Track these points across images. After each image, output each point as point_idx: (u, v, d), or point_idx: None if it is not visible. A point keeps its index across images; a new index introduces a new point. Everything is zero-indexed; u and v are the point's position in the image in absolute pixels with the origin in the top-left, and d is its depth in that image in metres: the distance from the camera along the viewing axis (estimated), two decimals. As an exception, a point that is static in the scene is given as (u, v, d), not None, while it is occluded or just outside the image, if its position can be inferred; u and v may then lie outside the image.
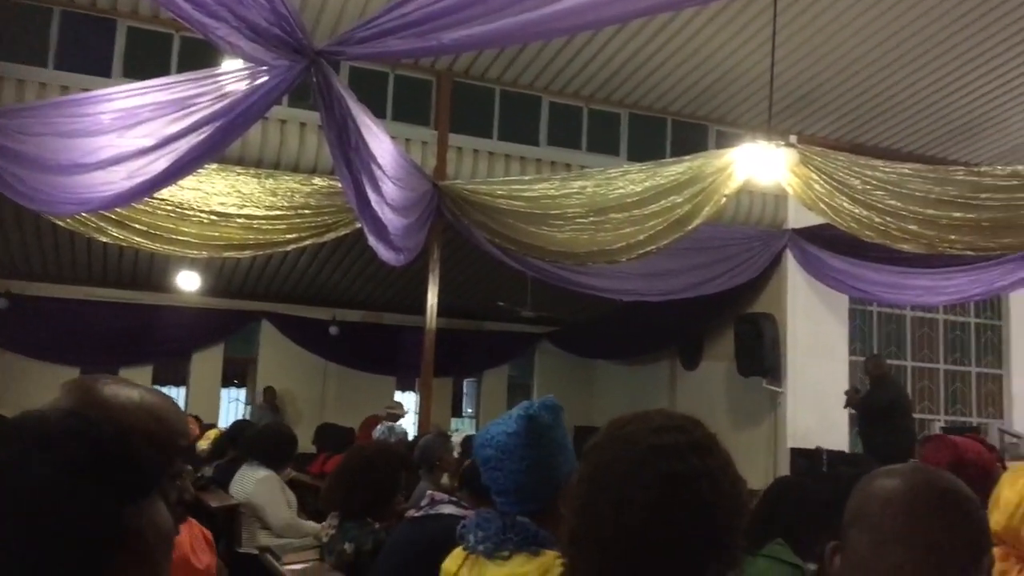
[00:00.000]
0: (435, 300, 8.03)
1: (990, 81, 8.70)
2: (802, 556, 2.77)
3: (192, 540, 2.91)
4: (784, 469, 9.32)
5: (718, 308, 10.19)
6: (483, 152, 8.88)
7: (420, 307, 8.23)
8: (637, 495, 1.31)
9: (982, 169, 7.50)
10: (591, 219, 7.66)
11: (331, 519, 3.75)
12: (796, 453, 9.19)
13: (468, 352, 13.51)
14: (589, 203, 7.59)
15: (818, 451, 8.88)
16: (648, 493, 1.30)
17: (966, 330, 10.93)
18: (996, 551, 1.94)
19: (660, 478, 1.31)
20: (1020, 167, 7.07)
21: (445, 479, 5.30)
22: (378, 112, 7.23)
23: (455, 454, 6.46)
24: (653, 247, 7.62)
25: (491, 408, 14.74)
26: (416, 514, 2.81)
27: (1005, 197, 6.98)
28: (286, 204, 7.42)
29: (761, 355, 9.64)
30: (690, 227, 7.43)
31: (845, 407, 9.01)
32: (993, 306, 10.93)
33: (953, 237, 7.25)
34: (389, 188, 5.87)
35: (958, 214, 7.09)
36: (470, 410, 15.91)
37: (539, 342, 14.73)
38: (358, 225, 6.43)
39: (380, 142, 5.56)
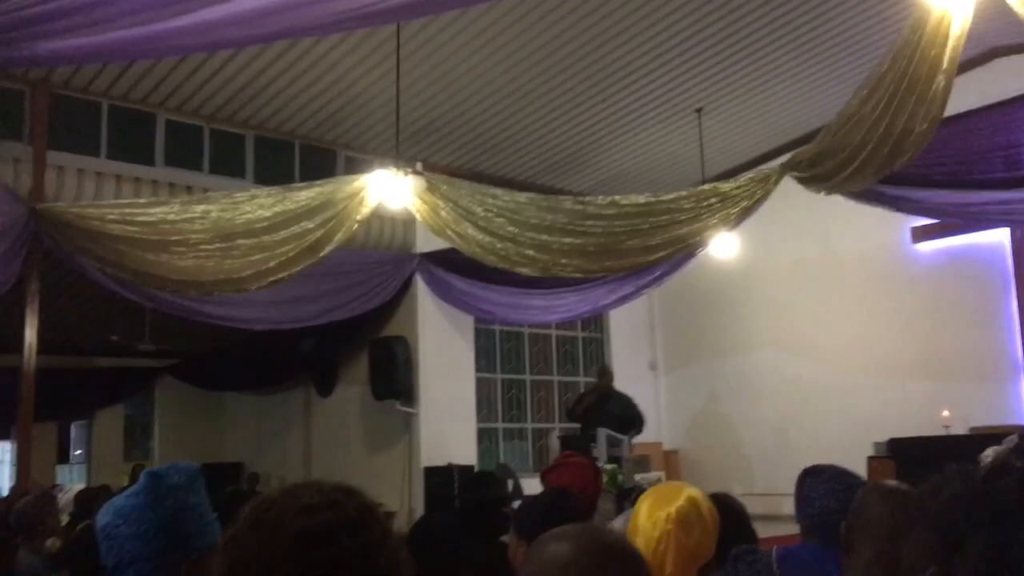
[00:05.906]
0: (34, 338, 7.10)
1: (590, 117, 9.67)
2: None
3: None
4: (418, 488, 9.53)
5: (352, 333, 10.18)
6: (90, 172, 8.02)
7: (15, 345, 7.22)
8: None
9: (586, 199, 8.28)
10: (217, 245, 7.24)
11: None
12: (430, 472, 9.42)
13: (76, 392, 12.16)
14: (214, 228, 7.17)
15: (449, 468, 9.19)
16: None
17: (575, 344, 12.01)
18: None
19: (308, 568, 1.18)
20: (617, 197, 7.91)
21: (51, 543, 4.67)
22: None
23: (68, 513, 5.75)
24: (284, 274, 7.40)
25: (105, 452, 13.40)
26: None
27: (606, 224, 7.78)
28: None
29: (394, 377, 9.76)
30: (323, 253, 7.33)
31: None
32: (596, 322, 12.13)
33: (564, 261, 7.91)
34: (-30, 212, 5.05)
35: (568, 240, 7.77)
36: (81, 453, 14.35)
37: (160, 376, 13.66)
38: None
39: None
